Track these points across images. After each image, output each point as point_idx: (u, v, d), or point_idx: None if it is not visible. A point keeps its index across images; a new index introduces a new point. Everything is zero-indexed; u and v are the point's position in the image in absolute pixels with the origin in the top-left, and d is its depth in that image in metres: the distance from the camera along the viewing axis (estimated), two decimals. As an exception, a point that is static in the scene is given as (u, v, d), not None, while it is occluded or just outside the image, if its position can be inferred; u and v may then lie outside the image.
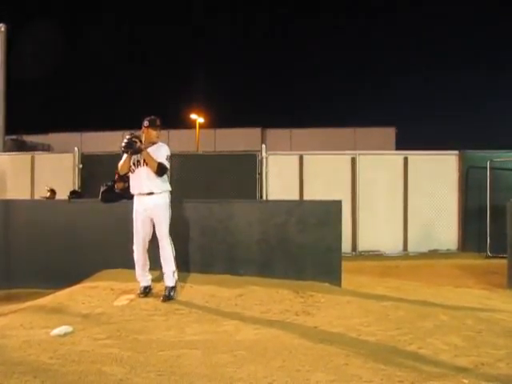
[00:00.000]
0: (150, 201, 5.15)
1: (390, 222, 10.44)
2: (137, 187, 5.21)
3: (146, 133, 5.23)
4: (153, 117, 5.27)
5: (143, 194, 5.17)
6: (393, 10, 66.51)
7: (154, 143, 5.22)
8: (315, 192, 9.83)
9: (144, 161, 5.10)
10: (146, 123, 5.22)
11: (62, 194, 7.71)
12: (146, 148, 5.12)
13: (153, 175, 5.10)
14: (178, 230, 6.39)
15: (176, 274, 5.23)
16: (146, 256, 5.31)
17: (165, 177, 5.26)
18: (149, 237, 5.28)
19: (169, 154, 5.25)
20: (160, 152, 5.16)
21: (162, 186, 5.21)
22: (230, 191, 9.95)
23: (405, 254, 10.33)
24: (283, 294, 5.30)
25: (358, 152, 10.72)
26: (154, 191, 5.13)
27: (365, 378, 3.07)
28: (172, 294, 5.14)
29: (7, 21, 12.50)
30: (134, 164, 5.17)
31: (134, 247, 5.27)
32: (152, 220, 5.21)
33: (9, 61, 12.89)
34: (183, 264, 6.18)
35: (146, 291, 5.29)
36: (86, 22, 60.40)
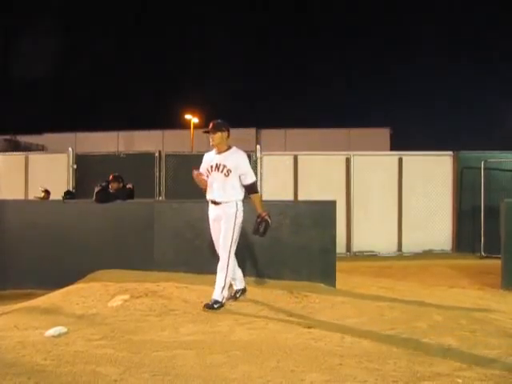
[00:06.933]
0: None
1: (384, 222, 10.48)
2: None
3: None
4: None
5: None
6: (391, 10, 66.83)
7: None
8: (310, 192, 9.87)
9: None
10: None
11: (56, 195, 7.66)
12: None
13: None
14: (173, 231, 6.42)
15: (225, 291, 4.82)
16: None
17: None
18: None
19: None
20: None
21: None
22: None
23: (399, 255, 10.38)
24: (278, 294, 5.30)
25: (352, 152, 10.75)
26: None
27: (359, 378, 3.07)
28: (215, 306, 4.73)
29: (6, 20, 12.48)
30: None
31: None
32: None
33: (6, 61, 12.84)
34: (179, 265, 6.19)
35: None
36: (84, 21, 60.33)
